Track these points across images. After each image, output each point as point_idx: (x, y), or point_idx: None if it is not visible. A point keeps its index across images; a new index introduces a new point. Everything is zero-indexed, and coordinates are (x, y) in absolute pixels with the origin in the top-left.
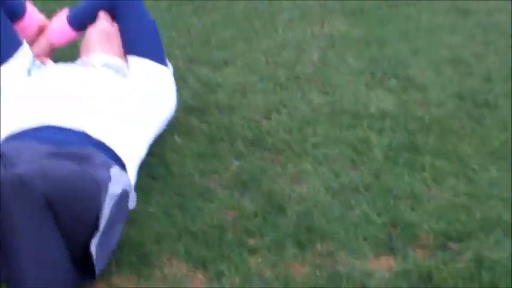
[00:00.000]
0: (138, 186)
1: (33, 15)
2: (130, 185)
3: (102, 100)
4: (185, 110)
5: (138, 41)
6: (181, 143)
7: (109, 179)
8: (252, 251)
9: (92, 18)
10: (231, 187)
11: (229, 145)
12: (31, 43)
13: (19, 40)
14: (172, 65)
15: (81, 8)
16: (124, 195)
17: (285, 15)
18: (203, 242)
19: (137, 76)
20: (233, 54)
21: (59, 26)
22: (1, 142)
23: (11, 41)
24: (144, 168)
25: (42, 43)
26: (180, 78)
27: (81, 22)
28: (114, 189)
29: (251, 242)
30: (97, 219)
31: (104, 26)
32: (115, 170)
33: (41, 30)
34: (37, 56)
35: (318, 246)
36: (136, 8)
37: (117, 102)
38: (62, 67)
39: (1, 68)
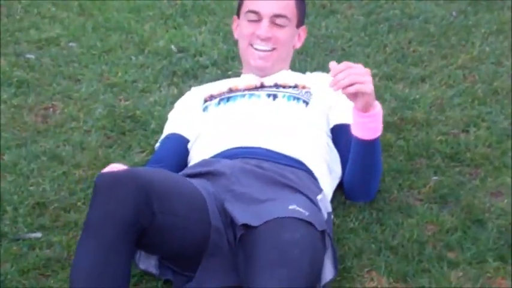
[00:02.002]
0: (340, 203)
1: None
2: (329, 204)
3: (288, 126)
4: (383, 126)
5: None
6: None
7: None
8: (453, 265)
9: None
10: (430, 202)
11: (427, 160)
12: None
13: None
14: None
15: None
16: (329, 218)
17: (482, 29)
18: (403, 257)
19: (317, 105)
20: (430, 70)
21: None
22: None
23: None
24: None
25: None
26: (377, 96)
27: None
28: (323, 216)
29: (451, 256)
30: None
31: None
32: (320, 196)
33: None
34: None
35: None
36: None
37: (301, 127)
38: (242, 100)
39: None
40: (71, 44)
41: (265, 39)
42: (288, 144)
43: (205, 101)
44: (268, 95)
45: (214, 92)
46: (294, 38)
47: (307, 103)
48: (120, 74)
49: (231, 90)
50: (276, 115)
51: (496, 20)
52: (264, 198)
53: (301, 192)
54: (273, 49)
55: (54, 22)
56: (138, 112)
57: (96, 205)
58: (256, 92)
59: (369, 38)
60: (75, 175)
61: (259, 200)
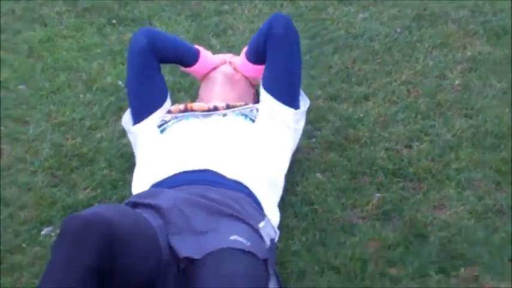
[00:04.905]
0: (284, 226)
1: (206, 61)
2: (274, 230)
3: (235, 145)
4: (326, 147)
5: (273, 81)
6: (323, 179)
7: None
8: (395, 281)
9: (258, 54)
10: (373, 219)
11: (370, 178)
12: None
13: (162, 97)
14: (312, 103)
15: (251, 43)
16: (272, 245)
17: (426, 44)
18: (346, 276)
19: (264, 117)
20: (374, 88)
21: (242, 60)
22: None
23: (153, 99)
24: (289, 209)
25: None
26: (321, 117)
27: (253, 57)
28: (266, 244)
29: (393, 272)
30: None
31: (227, 70)
32: (262, 224)
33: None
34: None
35: (462, 271)
36: (289, 44)
37: (247, 145)
38: (195, 120)
39: (138, 125)
40: (19, 86)
41: None
42: (233, 165)
43: (163, 119)
44: (219, 115)
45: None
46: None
47: (253, 120)
48: (67, 112)
49: (186, 109)
50: (223, 132)
51: (439, 33)
52: (206, 230)
53: (244, 221)
54: None
55: (3, 66)
56: (85, 149)
57: (60, 249)
58: (208, 113)
59: (314, 60)
60: (20, 216)
61: (201, 232)
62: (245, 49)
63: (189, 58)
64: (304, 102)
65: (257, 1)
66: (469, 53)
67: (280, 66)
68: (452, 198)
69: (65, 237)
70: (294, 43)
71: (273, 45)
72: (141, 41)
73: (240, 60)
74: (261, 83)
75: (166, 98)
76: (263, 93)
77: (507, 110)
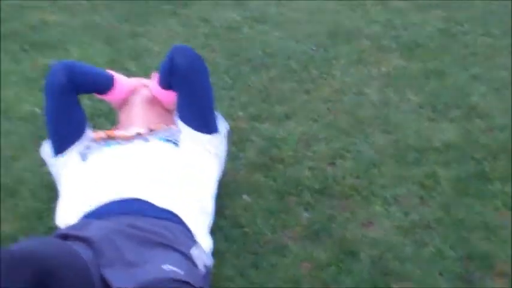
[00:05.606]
0: (215, 251)
1: (121, 86)
2: (207, 256)
3: (161, 172)
4: (251, 168)
5: (185, 111)
6: (250, 201)
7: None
8: None
9: (168, 82)
10: (303, 239)
11: (297, 197)
12: (120, 107)
13: (82, 129)
14: (235, 124)
15: (160, 72)
16: (207, 271)
17: (342, 61)
18: None
19: (187, 142)
20: (294, 107)
21: (154, 87)
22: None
23: (73, 132)
24: (219, 232)
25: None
26: (243, 138)
27: (164, 84)
28: (200, 271)
29: None
30: None
31: (145, 92)
32: (193, 250)
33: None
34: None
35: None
36: (193, 75)
37: (173, 172)
38: (117, 146)
39: (59, 157)
40: None
41: None
42: (161, 194)
43: (85, 145)
44: (141, 140)
45: (93, 135)
46: None
47: (176, 144)
48: None
49: (107, 137)
50: (148, 159)
51: (354, 50)
52: (138, 260)
53: (176, 250)
54: None
55: None
56: (6, 180)
57: None
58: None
59: (232, 81)
60: None
61: (133, 262)
62: (156, 75)
63: (105, 87)
64: (223, 125)
65: (172, 22)
66: (384, 69)
67: (189, 96)
68: (379, 215)
69: None
70: (199, 71)
71: (179, 79)
72: (59, 79)
73: (152, 86)
74: (175, 111)
75: (85, 129)
76: (178, 122)
77: (425, 124)
